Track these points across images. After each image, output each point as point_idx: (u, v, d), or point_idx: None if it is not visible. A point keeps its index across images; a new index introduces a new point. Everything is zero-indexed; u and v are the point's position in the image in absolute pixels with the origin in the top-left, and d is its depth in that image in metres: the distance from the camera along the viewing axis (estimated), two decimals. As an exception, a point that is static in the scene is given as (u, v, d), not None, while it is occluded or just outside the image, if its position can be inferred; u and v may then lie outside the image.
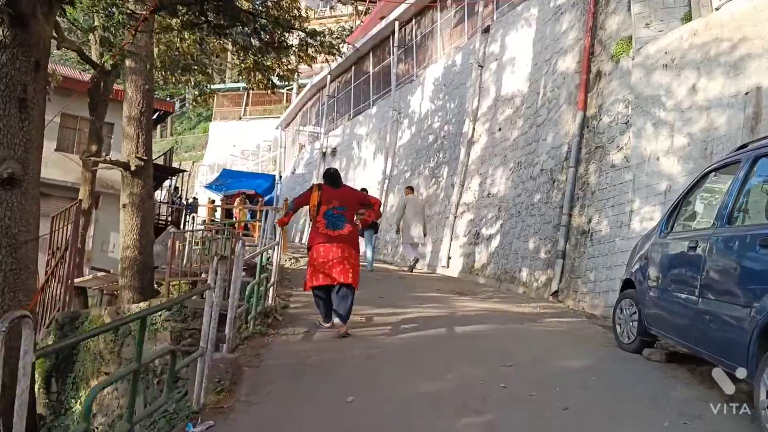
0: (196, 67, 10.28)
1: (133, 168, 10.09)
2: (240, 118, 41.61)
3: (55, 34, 11.89)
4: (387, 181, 18.60)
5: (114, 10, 7.93)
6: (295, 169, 29.32)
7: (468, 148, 14.15)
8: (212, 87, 14.51)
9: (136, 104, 10.24)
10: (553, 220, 9.97)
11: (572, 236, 9.40)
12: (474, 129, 14.18)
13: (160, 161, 26.00)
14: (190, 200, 25.96)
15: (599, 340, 6.09)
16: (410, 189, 13.93)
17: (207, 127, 45.09)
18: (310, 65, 12.88)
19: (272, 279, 6.73)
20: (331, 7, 40.31)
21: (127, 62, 10.23)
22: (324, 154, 24.71)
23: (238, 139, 39.24)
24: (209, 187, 27.84)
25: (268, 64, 11.74)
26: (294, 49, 9.52)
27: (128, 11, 8.24)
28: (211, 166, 37.94)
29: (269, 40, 8.84)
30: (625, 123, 8.66)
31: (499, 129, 13.11)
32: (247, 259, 6.30)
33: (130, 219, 10.12)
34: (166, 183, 25.68)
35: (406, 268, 13.37)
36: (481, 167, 13.56)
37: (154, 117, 22.54)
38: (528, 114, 11.98)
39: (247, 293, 5.59)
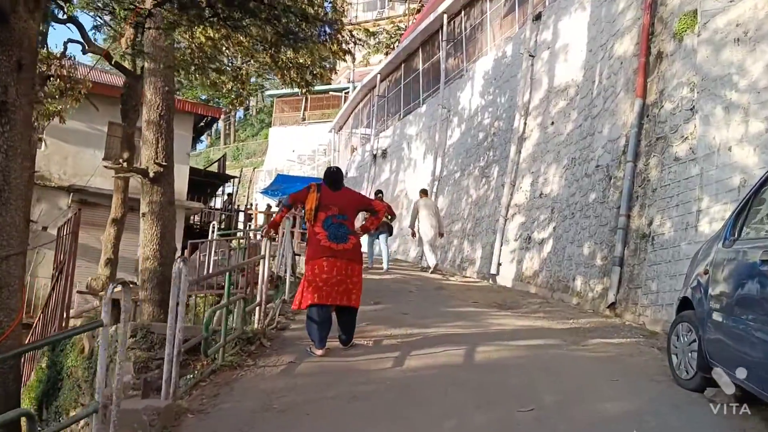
0: (212, 66, 9.71)
1: (151, 174, 9.61)
2: (299, 123, 41.54)
3: (81, 40, 11.60)
4: (437, 182, 17.64)
5: (116, 6, 7.35)
6: (347, 173, 28.83)
7: (519, 144, 13.08)
8: (249, 89, 13.95)
9: (155, 107, 9.75)
10: (609, 222, 8.89)
11: (631, 240, 8.32)
12: (525, 124, 13.11)
13: (214, 168, 26.08)
14: (241, 207, 25.75)
15: (652, 371, 4.92)
16: (424, 192, 13.94)
17: (268, 134, 45.32)
18: (344, 59, 12.16)
19: (258, 298, 5.91)
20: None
21: (146, 63, 9.78)
22: (375, 156, 24.02)
23: (297, 144, 39.14)
24: (265, 192, 27.79)
25: (301, 61, 11.05)
26: (313, 39, 8.76)
27: (131, 6, 7.68)
28: (269, 171, 37.98)
29: (283, 31, 8.10)
30: (690, 109, 7.55)
31: (552, 123, 12.01)
32: (207, 278, 5.54)
33: (149, 229, 9.65)
34: (220, 190, 25.63)
35: (430, 271, 13.26)
36: (532, 165, 12.46)
37: (202, 123, 22.50)
38: (582, 105, 10.85)
39: (205, 320, 4.77)
